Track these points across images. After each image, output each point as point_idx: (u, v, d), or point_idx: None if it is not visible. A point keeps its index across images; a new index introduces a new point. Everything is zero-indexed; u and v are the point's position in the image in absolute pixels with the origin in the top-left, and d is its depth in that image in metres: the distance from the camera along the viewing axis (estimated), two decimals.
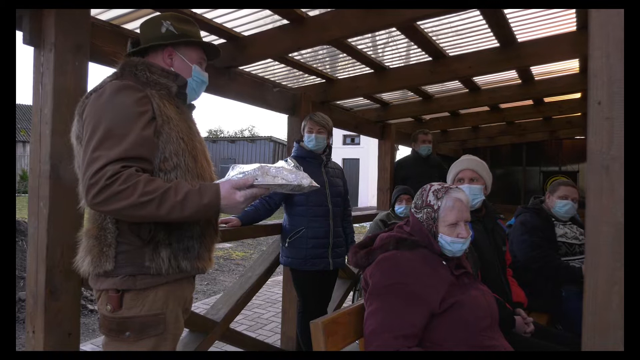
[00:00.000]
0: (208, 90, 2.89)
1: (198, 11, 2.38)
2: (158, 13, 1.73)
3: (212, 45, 1.62)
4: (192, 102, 1.64)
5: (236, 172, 1.38)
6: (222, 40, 2.76)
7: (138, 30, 2.48)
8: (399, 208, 3.69)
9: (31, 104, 1.87)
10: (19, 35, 1.83)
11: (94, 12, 2.16)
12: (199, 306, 4.83)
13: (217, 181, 1.38)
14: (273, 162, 1.47)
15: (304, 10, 2.46)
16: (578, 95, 4.57)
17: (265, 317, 4.69)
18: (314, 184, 1.41)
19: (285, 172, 1.37)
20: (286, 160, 1.48)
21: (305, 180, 1.38)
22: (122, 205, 1.21)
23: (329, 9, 2.44)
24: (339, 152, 21.42)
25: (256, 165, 1.38)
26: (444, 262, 1.62)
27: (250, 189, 1.34)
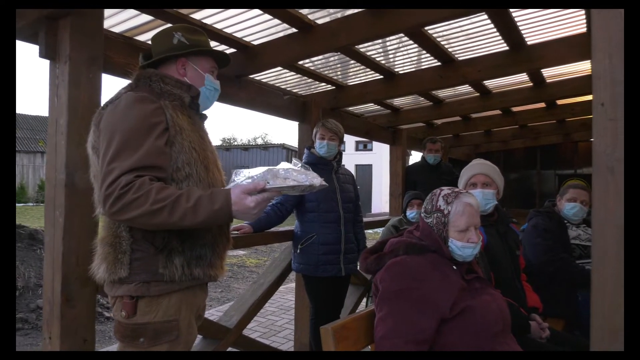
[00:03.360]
0: (219, 99, 2.93)
1: (208, 21, 2.42)
2: (169, 25, 1.77)
3: (222, 53, 1.65)
4: (205, 113, 1.66)
5: (242, 177, 1.37)
6: (232, 50, 2.80)
7: (150, 42, 2.54)
8: (411, 213, 3.67)
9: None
10: (35, 49, 1.89)
11: (107, 24, 2.22)
12: (213, 313, 4.86)
13: (228, 186, 1.38)
14: None
15: (312, 18, 2.49)
16: (591, 97, 4.50)
17: (279, 324, 4.69)
18: (324, 182, 1.39)
19: (295, 173, 1.35)
20: (291, 162, 1.46)
21: (316, 180, 1.36)
22: (137, 214, 1.24)
23: (337, 16, 2.47)
24: (352, 158, 21.40)
25: (263, 168, 1.37)
26: (454, 267, 1.61)
27: (261, 193, 1.33)
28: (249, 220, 1.37)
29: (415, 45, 2.95)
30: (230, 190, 1.32)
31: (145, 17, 2.28)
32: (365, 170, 21.74)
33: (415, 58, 3.31)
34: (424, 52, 3.08)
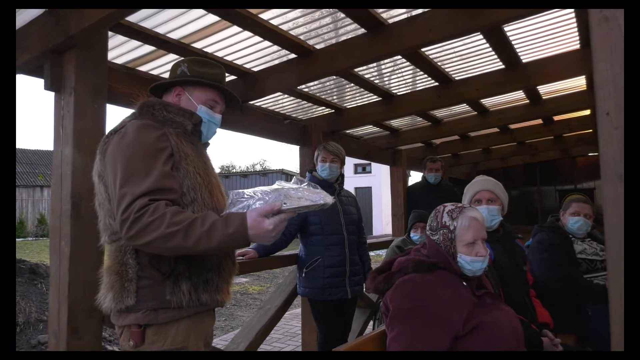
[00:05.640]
0: (222, 126, 2.96)
1: (209, 50, 2.48)
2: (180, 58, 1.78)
3: (224, 89, 1.62)
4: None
5: (245, 201, 1.35)
6: (233, 77, 2.85)
7: (152, 72, 2.59)
8: (415, 236, 3.62)
9: (49, 149, 1.94)
10: (30, 84, 1.93)
11: (110, 56, 2.26)
12: (218, 342, 4.77)
13: (226, 208, 1.36)
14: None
15: (310, 43, 2.54)
16: (587, 112, 4.56)
17: (286, 351, 4.61)
18: (333, 198, 1.40)
19: (307, 192, 1.35)
20: (283, 180, 1.45)
21: (328, 198, 1.37)
22: (153, 237, 1.24)
23: (332, 42, 2.52)
24: (351, 181, 21.42)
25: (264, 188, 1.36)
26: (464, 283, 1.60)
27: (278, 215, 1.31)
28: (267, 243, 1.35)
29: (410, 66, 3.01)
30: (246, 213, 1.31)
31: (147, 48, 2.33)
32: (365, 193, 21.73)
33: (410, 79, 3.36)
34: (419, 73, 3.14)
